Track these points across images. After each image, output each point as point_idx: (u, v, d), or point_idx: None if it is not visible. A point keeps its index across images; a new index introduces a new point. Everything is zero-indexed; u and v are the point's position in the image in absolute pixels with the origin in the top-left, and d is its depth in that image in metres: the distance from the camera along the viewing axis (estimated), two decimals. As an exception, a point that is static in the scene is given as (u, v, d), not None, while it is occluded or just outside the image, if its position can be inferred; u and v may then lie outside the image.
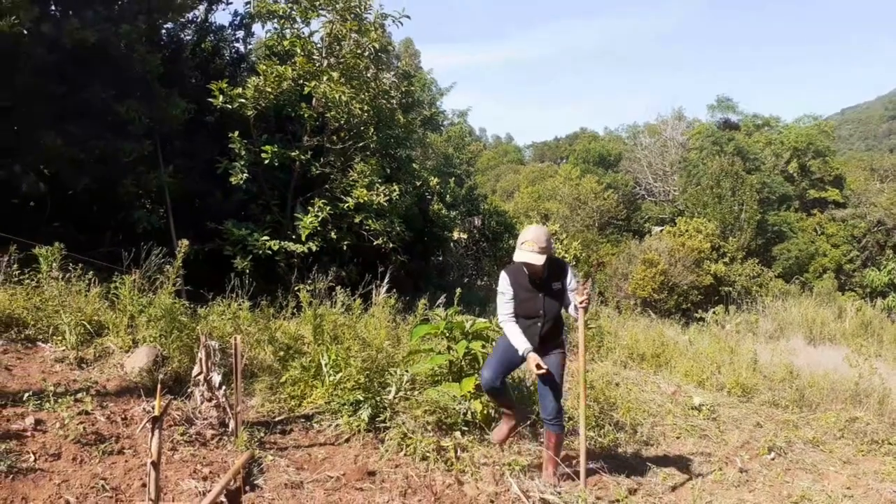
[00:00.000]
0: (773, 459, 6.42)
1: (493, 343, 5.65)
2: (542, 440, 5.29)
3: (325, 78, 12.64)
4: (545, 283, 4.86)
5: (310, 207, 12.76)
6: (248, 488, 4.20)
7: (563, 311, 5.07)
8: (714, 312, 16.90)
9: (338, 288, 8.38)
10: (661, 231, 33.01)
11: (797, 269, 36.32)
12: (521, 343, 4.78)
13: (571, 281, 4.95)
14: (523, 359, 4.86)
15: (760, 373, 9.41)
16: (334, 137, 13.51)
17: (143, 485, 3.88)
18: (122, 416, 4.89)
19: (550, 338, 4.94)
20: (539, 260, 4.65)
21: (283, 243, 12.29)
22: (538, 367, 4.67)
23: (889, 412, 8.04)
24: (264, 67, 12.65)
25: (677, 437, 6.82)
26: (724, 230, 32.85)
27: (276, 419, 5.53)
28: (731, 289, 27.53)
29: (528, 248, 4.68)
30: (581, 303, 4.73)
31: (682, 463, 6.01)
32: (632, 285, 25.36)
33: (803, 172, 42.41)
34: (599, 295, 18.76)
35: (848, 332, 16.00)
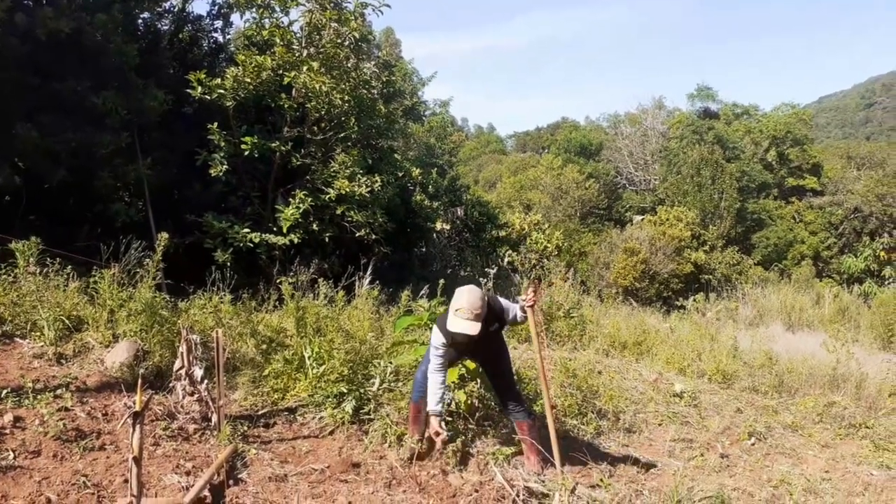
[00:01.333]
0: (753, 444, 6.51)
1: None
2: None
3: (304, 68, 12.53)
4: (482, 331, 4.64)
5: (291, 199, 12.67)
6: (231, 482, 4.19)
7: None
8: (694, 300, 17.07)
9: (320, 280, 8.36)
10: (642, 220, 33.19)
11: (776, 257, 36.76)
12: (434, 401, 4.65)
13: (507, 312, 4.84)
14: (456, 358, 4.93)
15: (740, 359, 9.52)
16: (315, 128, 13.41)
17: (126, 480, 3.86)
18: (103, 411, 4.85)
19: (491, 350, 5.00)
20: (475, 329, 4.43)
21: (264, 235, 12.19)
22: (437, 433, 4.59)
23: (866, 396, 8.18)
24: (243, 57, 12.51)
25: (659, 424, 6.89)
26: (704, 218, 33.13)
27: (260, 413, 5.51)
28: (711, 277, 27.78)
29: (462, 316, 4.44)
30: (525, 301, 4.68)
31: (664, 449, 6.07)
32: (613, 274, 25.50)
33: (782, 160, 42.86)
34: (582, 284, 18.83)
35: (826, 318, 16.24)
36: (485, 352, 4.91)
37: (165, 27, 14.47)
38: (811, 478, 5.71)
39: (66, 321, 6.13)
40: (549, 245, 24.19)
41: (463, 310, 4.44)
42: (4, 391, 4.65)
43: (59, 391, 4.88)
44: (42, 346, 5.78)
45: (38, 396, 4.69)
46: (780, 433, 6.91)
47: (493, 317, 4.73)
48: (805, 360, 9.39)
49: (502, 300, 4.91)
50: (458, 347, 4.72)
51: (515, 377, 5.54)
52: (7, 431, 4.26)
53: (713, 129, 42.75)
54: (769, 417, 7.32)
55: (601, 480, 4.91)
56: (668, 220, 29.58)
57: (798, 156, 42.64)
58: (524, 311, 4.74)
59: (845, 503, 5.29)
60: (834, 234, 38.35)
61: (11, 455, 4.01)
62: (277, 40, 12.98)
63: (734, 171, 37.75)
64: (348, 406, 5.46)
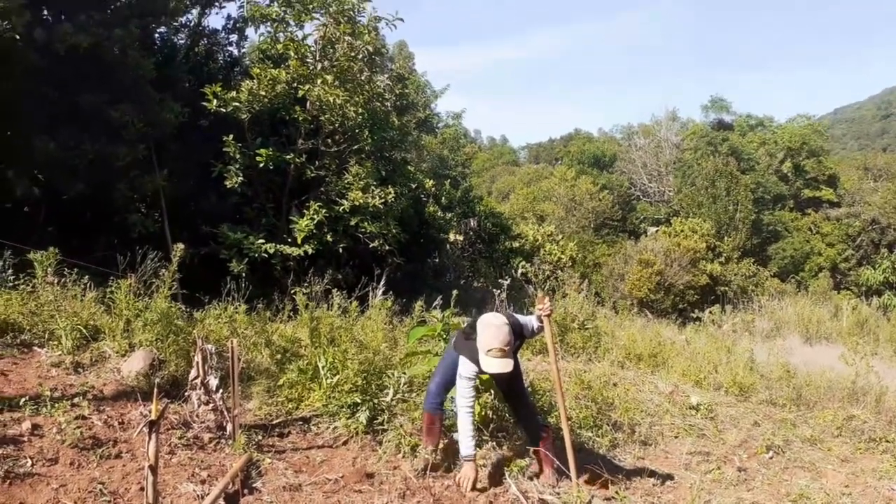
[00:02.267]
0: (771, 458, 6.43)
1: None
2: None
3: (318, 81, 12.64)
4: None
5: (305, 210, 12.76)
6: (246, 491, 4.19)
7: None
8: (710, 312, 16.95)
9: (334, 290, 8.38)
10: (657, 231, 33.05)
11: (793, 269, 36.45)
12: (467, 445, 4.58)
13: (527, 324, 4.81)
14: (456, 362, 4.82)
15: (757, 372, 9.42)
16: (329, 140, 13.51)
17: (141, 489, 3.86)
18: (120, 420, 4.87)
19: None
20: (509, 366, 4.42)
21: (278, 246, 12.28)
22: (471, 480, 4.53)
23: (886, 410, 8.07)
24: (258, 71, 12.65)
25: (675, 437, 6.82)
26: (720, 230, 32.92)
27: (274, 422, 5.51)
28: (727, 288, 27.56)
29: (495, 356, 4.39)
30: (542, 311, 4.66)
31: (680, 462, 6.01)
32: (628, 286, 25.36)
33: (797, 172, 42.58)
34: (596, 295, 18.77)
35: (844, 330, 16.05)
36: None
37: (181, 41, 14.68)
38: (831, 492, 5.62)
39: (84, 330, 6.18)
40: (563, 256, 24.13)
41: (495, 349, 4.40)
42: (23, 399, 4.68)
43: (76, 399, 4.91)
44: (60, 354, 5.82)
45: (56, 405, 4.72)
46: (798, 447, 6.82)
47: (516, 336, 4.68)
48: (823, 373, 9.28)
49: (518, 316, 4.89)
50: (482, 372, 4.68)
51: (529, 389, 5.51)
52: (25, 439, 4.28)
53: (727, 140, 42.60)
54: (787, 431, 7.23)
55: (616, 493, 4.86)
56: (682, 231, 29.43)
57: (814, 167, 42.36)
58: (540, 322, 4.72)
59: (866, 518, 5.21)
60: (851, 245, 38.01)
61: (29, 462, 4.03)
62: (292, 54, 13.12)
63: (749, 182, 37.54)
64: (362, 416, 5.45)
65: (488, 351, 4.40)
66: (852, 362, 8.83)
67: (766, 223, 38.35)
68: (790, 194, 42.00)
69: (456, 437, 5.06)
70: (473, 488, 4.52)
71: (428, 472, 4.80)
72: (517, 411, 5.06)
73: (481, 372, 4.60)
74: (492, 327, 4.48)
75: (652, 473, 5.55)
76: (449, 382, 4.97)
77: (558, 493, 4.61)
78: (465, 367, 4.62)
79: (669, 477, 5.58)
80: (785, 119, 51.45)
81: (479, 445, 5.30)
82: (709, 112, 49.55)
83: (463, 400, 4.63)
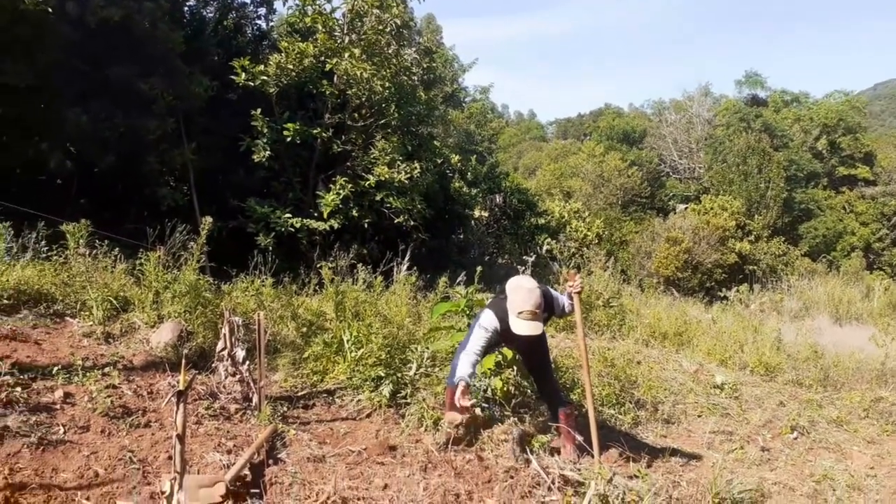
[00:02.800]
0: (795, 439, 6.38)
1: None
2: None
3: (346, 55, 12.60)
4: None
5: (331, 185, 12.80)
6: (271, 461, 4.27)
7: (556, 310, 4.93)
8: (738, 291, 16.72)
9: (359, 265, 8.44)
10: (686, 209, 32.62)
11: (824, 248, 35.75)
12: (464, 371, 4.58)
13: (559, 300, 4.82)
14: (498, 345, 4.87)
15: (784, 352, 9.31)
16: (355, 115, 13.50)
17: (169, 457, 3.96)
18: (148, 390, 4.98)
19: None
20: (539, 329, 4.46)
21: (305, 221, 12.36)
22: (463, 407, 4.54)
23: (915, 392, 7.93)
24: (286, 44, 12.64)
25: (699, 416, 6.79)
26: (750, 208, 32.38)
27: (299, 394, 5.59)
28: (755, 267, 27.18)
29: (525, 318, 4.42)
30: (573, 287, 4.65)
31: (703, 441, 5.99)
32: (655, 263, 25.13)
33: (832, 149, 41.57)
34: (622, 273, 18.63)
35: (875, 311, 15.76)
36: (528, 342, 4.89)
37: (210, 14, 14.72)
38: (855, 474, 5.57)
39: (114, 301, 6.30)
40: (589, 233, 23.98)
41: (526, 312, 4.42)
42: (56, 368, 4.81)
43: (106, 369, 5.02)
44: (91, 325, 5.95)
45: (87, 374, 4.84)
46: (823, 428, 6.75)
47: (545, 307, 4.70)
48: (852, 354, 9.14)
49: (552, 290, 4.88)
50: (505, 335, 4.71)
51: (553, 365, 5.51)
52: (58, 407, 4.40)
53: (761, 116, 41.68)
54: (813, 411, 7.15)
55: (638, 471, 4.87)
56: (712, 209, 29.01)
57: (850, 144, 41.30)
58: (570, 299, 4.73)
59: (890, 500, 5.15)
60: (886, 225, 37.14)
61: (62, 430, 4.15)
62: (320, 27, 13.08)
63: (782, 159, 36.77)
64: (385, 390, 5.51)
65: (519, 313, 4.43)
66: (882, 344, 8.68)
67: (798, 201, 37.59)
68: (824, 172, 41.07)
69: (479, 413, 5.10)
70: (454, 409, 4.58)
71: (450, 446, 4.85)
72: (541, 386, 5.08)
73: (503, 331, 4.62)
74: (523, 290, 4.50)
75: (674, 452, 5.55)
76: (480, 359, 5.01)
77: (579, 470, 4.62)
78: (487, 319, 4.66)
79: (692, 455, 5.57)
80: (822, 95, 50.22)
81: (500, 420, 5.34)
82: (742, 87, 48.50)
83: (472, 343, 4.65)
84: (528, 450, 4.83)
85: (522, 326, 4.44)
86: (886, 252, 35.93)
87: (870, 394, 7.73)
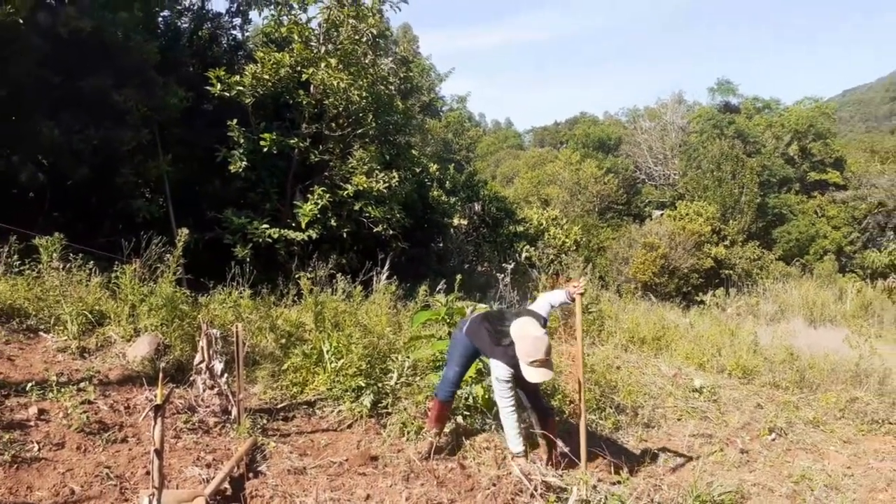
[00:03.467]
0: (773, 440, 6.46)
1: None
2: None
3: (322, 65, 12.57)
4: None
5: (309, 195, 12.75)
6: (251, 475, 4.23)
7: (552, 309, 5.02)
8: (714, 295, 16.93)
9: (338, 275, 8.42)
10: (662, 215, 32.93)
11: (798, 252, 36.29)
12: (518, 442, 4.68)
13: (546, 312, 4.89)
14: (477, 353, 4.95)
15: (761, 355, 9.43)
16: (333, 124, 13.46)
17: (147, 472, 3.91)
18: (125, 404, 4.92)
19: None
20: (550, 375, 4.53)
21: (282, 231, 12.28)
22: (528, 474, 4.55)
23: (889, 392, 8.08)
24: (262, 54, 12.59)
25: (678, 419, 6.85)
26: (725, 213, 32.80)
27: (279, 406, 5.55)
28: (731, 272, 27.52)
29: (538, 366, 4.42)
30: (577, 289, 4.74)
31: (683, 444, 6.04)
32: (632, 269, 25.33)
33: (804, 155, 42.28)
34: (600, 279, 18.76)
35: (848, 313, 16.05)
36: None
37: (185, 25, 14.61)
38: (833, 473, 5.66)
39: (89, 315, 6.22)
40: (567, 240, 24.11)
41: (538, 360, 4.42)
42: (29, 384, 4.73)
43: (82, 384, 4.95)
44: (66, 339, 5.86)
45: (62, 389, 4.77)
46: (801, 429, 6.84)
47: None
48: (827, 356, 9.29)
49: (538, 311, 4.87)
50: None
51: None
52: (32, 424, 4.33)
53: (734, 123, 42.31)
54: (790, 413, 7.25)
55: (620, 475, 4.90)
56: (687, 214, 29.35)
57: (821, 150, 42.04)
58: (571, 299, 4.81)
59: (867, 499, 5.23)
60: (857, 228, 37.79)
61: (36, 447, 4.08)
62: (296, 37, 13.04)
63: (755, 165, 37.32)
64: (366, 400, 5.49)
65: (531, 362, 4.42)
66: (856, 345, 8.83)
67: (772, 206, 38.15)
68: (796, 177, 41.73)
69: (461, 421, 5.11)
70: (524, 472, 4.54)
71: (432, 455, 4.84)
72: (534, 401, 5.07)
73: (516, 374, 4.62)
74: (531, 337, 4.47)
75: (655, 455, 5.58)
76: (465, 372, 5.09)
77: (561, 476, 4.64)
78: (502, 371, 4.64)
79: (672, 459, 5.61)
80: (792, 101, 51.06)
81: (484, 430, 5.34)
82: (715, 95, 49.25)
83: (504, 401, 4.67)
84: (509, 457, 4.84)
85: (536, 374, 4.45)
86: (858, 255, 36.55)
87: (845, 394, 7.85)
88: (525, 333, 4.50)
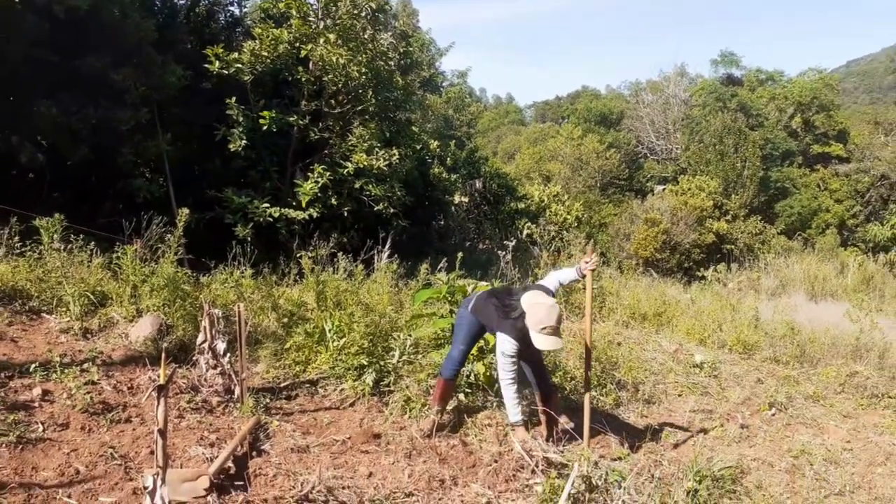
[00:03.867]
0: (773, 415, 6.49)
1: None
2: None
3: (321, 40, 12.46)
4: None
5: (309, 173, 12.72)
6: (255, 453, 4.27)
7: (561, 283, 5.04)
8: (716, 270, 16.91)
9: (339, 254, 8.42)
10: (664, 190, 32.82)
11: (800, 226, 36.18)
12: (517, 412, 4.74)
13: (555, 285, 4.93)
14: (483, 330, 5.00)
15: (762, 330, 9.45)
16: (332, 101, 13.39)
17: (151, 452, 3.95)
18: (129, 385, 4.95)
19: None
20: (561, 343, 4.54)
21: (283, 210, 12.28)
22: (525, 444, 4.64)
23: (889, 366, 8.09)
24: (260, 31, 12.49)
25: (679, 395, 6.88)
26: (727, 188, 32.64)
27: (282, 385, 5.59)
28: (733, 246, 27.46)
29: (549, 334, 4.45)
30: (589, 265, 4.76)
31: (683, 420, 6.08)
32: (633, 245, 25.29)
33: (807, 127, 41.96)
34: (602, 255, 18.75)
35: (850, 287, 16.03)
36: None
37: (182, 2, 14.45)
38: (832, 448, 5.69)
39: (91, 296, 6.24)
40: (568, 217, 24.06)
41: (549, 327, 4.45)
42: (33, 365, 4.76)
43: (85, 365, 4.98)
44: (68, 321, 5.89)
45: (66, 370, 4.80)
46: (801, 403, 6.87)
47: None
48: (828, 330, 9.30)
49: (545, 282, 4.93)
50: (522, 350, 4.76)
51: None
52: (36, 405, 4.37)
53: (736, 96, 41.90)
54: (790, 388, 7.28)
55: (620, 450, 4.94)
56: (689, 189, 29.22)
57: (824, 122, 41.70)
58: (581, 275, 4.84)
59: (866, 473, 5.28)
60: (860, 202, 37.62)
61: (41, 427, 4.11)
62: (294, 12, 12.93)
63: (757, 138, 37.04)
64: (369, 378, 5.52)
65: (542, 329, 4.44)
66: (857, 319, 8.84)
67: (774, 180, 37.93)
68: (799, 150, 41.44)
69: (462, 399, 5.14)
70: (526, 448, 4.61)
71: (434, 433, 4.88)
72: (535, 371, 5.08)
73: (521, 348, 4.66)
74: (543, 306, 4.51)
75: (655, 431, 5.62)
76: (470, 351, 5.11)
77: (562, 452, 4.68)
78: (509, 346, 4.66)
79: (673, 434, 5.65)
80: (796, 73, 50.51)
81: (486, 407, 5.38)
82: (718, 67, 48.65)
83: (506, 373, 4.70)
84: (510, 434, 4.87)
85: (546, 342, 4.47)
86: (860, 229, 36.44)
87: (845, 369, 7.88)
88: (537, 301, 4.57)
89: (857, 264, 18.21)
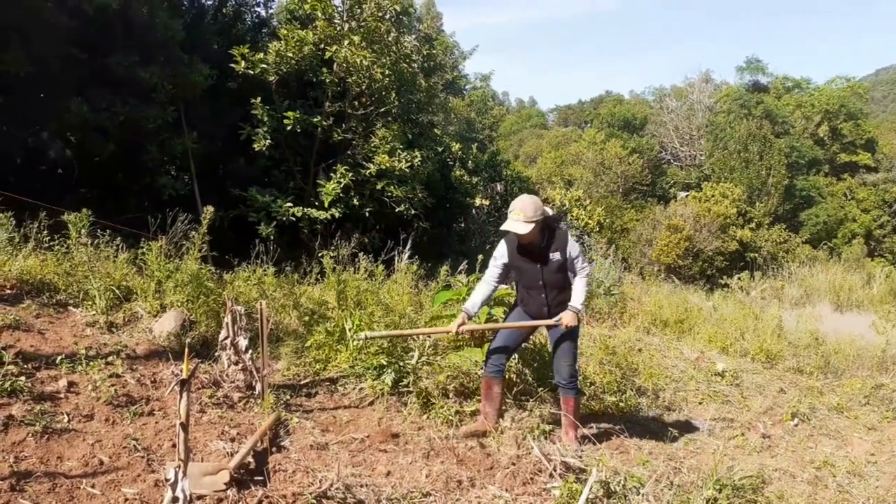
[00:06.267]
0: (796, 425, 6.41)
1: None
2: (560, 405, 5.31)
3: (346, 42, 12.54)
4: (543, 253, 4.81)
5: (332, 174, 12.79)
6: (274, 449, 4.29)
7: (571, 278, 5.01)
8: (739, 279, 16.73)
9: (360, 254, 8.45)
10: (687, 196, 32.57)
11: (825, 235, 35.69)
12: (471, 302, 4.97)
13: (574, 250, 4.89)
14: (528, 334, 5.16)
15: (785, 339, 9.34)
16: (356, 103, 13.46)
17: (173, 445, 3.98)
18: (152, 378, 5.00)
19: (560, 306, 4.94)
20: (523, 229, 4.61)
21: (306, 210, 12.35)
22: (458, 331, 4.90)
23: (916, 379, 7.95)
24: (285, 32, 12.59)
25: (699, 403, 6.82)
26: (751, 195, 32.31)
27: (302, 382, 5.61)
28: (756, 255, 27.17)
29: (513, 217, 4.66)
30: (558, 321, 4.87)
31: (704, 428, 6.01)
32: (656, 251, 25.12)
33: (834, 136, 41.38)
34: (623, 261, 18.62)
35: (876, 298, 15.78)
36: (550, 287, 4.91)
37: (209, 2, 14.65)
38: (856, 460, 5.60)
39: (116, 291, 6.32)
40: (590, 221, 23.92)
41: (515, 210, 4.67)
42: (59, 357, 4.82)
43: (110, 358, 5.04)
44: (94, 314, 5.96)
45: (91, 363, 4.85)
46: (824, 415, 6.78)
47: (557, 241, 4.83)
48: (853, 341, 9.16)
49: (576, 245, 4.97)
50: (519, 266, 4.89)
51: (579, 351, 5.39)
52: (62, 396, 4.42)
53: (762, 103, 41.46)
54: (814, 398, 7.18)
55: (640, 458, 4.90)
56: (713, 196, 28.97)
57: (851, 130, 41.10)
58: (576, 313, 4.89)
59: (891, 486, 5.18)
60: (888, 212, 37.06)
61: (66, 418, 4.17)
62: (319, 14, 13.01)
63: (783, 146, 36.62)
64: (388, 378, 5.53)
65: (510, 212, 4.71)
66: (883, 331, 8.70)
67: (800, 188, 37.46)
68: (825, 159, 40.89)
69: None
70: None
71: (451, 433, 4.87)
72: (562, 357, 5.02)
73: (511, 259, 4.87)
74: (522, 196, 4.81)
75: (675, 439, 5.57)
76: (511, 348, 5.13)
77: (580, 457, 4.65)
78: (498, 249, 4.95)
79: (693, 442, 5.60)
80: (823, 81, 49.87)
81: (505, 410, 5.35)
82: (744, 74, 48.12)
83: (485, 276, 5.02)
84: (529, 437, 4.85)
85: (508, 224, 4.69)
86: (887, 239, 35.88)
87: (870, 381, 7.75)
88: (523, 196, 4.86)
89: (883, 275, 17.92)
